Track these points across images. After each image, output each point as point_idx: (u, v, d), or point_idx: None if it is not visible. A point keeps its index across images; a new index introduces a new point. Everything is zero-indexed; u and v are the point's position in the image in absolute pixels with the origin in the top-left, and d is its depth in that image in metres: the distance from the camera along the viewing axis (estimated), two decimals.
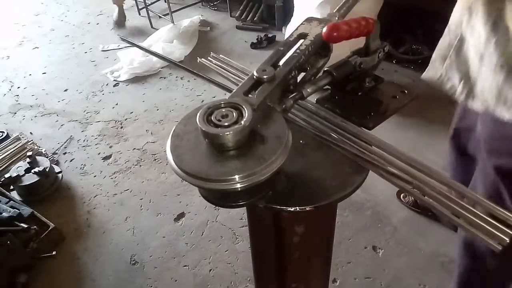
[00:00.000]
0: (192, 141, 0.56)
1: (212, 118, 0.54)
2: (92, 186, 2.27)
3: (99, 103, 2.92)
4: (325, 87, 0.73)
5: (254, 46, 3.36)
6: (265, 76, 0.60)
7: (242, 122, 0.53)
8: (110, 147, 2.53)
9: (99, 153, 2.49)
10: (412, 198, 1.96)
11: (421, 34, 2.95)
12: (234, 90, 0.61)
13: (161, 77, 3.10)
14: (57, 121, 2.78)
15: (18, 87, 3.16)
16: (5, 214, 1.86)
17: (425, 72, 1.19)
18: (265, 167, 0.52)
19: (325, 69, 0.71)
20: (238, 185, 0.51)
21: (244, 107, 0.55)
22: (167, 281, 1.81)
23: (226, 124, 0.53)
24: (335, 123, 0.70)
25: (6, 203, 1.96)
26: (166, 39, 3.37)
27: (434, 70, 1.15)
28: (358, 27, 0.66)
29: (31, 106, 2.94)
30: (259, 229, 0.81)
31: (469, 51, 1.04)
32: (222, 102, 0.56)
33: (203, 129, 0.53)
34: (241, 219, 2.01)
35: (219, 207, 2.08)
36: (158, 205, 2.15)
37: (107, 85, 3.09)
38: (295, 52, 0.67)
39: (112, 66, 3.21)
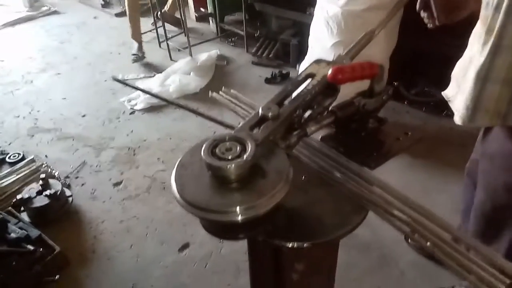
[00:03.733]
0: (196, 171, 0.58)
1: (217, 151, 0.56)
2: (101, 211, 2.29)
3: (115, 129, 2.99)
4: (330, 126, 0.75)
5: (268, 81, 3.43)
6: (269, 114, 0.63)
7: (245, 156, 0.54)
8: (121, 173, 2.56)
9: (110, 179, 2.52)
10: None
11: (434, 77, 2.98)
12: (239, 125, 0.63)
13: (176, 107, 3.17)
14: (72, 145, 2.85)
15: (38, 111, 3.26)
16: (13, 235, 1.87)
17: (446, 90, 1.30)
18: (265, 201, 0.53)
19: (330, 108, 0.73)
20: (238, 217, 0.53)
21: (247, 141, 0.57)
22: None
23: (229, 157, 0.55)
24: (337, 161, 0.71)
25: (15, 224, 1.98)
26: (184, 71, 3.47)
27: (451, 89, 1.27)
28: (362, 70, 0.68)
29: (48, 129, 3.02)
30: (258, 266, 0.81)
31: (471, 71, 1.12)
32: (227, 136, 0.58)
33: (207, 161, 0.55)
34: (245, 252, 1.99)
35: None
36: (164, 234, 2.15)
37: (123, 113, 3.17)
38: (301, 91, 0.70)
39: (130, 95, 3.31)
